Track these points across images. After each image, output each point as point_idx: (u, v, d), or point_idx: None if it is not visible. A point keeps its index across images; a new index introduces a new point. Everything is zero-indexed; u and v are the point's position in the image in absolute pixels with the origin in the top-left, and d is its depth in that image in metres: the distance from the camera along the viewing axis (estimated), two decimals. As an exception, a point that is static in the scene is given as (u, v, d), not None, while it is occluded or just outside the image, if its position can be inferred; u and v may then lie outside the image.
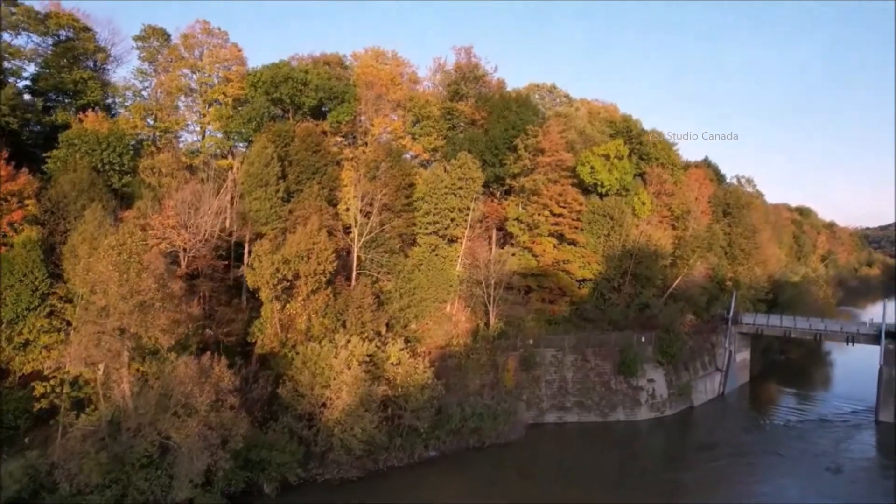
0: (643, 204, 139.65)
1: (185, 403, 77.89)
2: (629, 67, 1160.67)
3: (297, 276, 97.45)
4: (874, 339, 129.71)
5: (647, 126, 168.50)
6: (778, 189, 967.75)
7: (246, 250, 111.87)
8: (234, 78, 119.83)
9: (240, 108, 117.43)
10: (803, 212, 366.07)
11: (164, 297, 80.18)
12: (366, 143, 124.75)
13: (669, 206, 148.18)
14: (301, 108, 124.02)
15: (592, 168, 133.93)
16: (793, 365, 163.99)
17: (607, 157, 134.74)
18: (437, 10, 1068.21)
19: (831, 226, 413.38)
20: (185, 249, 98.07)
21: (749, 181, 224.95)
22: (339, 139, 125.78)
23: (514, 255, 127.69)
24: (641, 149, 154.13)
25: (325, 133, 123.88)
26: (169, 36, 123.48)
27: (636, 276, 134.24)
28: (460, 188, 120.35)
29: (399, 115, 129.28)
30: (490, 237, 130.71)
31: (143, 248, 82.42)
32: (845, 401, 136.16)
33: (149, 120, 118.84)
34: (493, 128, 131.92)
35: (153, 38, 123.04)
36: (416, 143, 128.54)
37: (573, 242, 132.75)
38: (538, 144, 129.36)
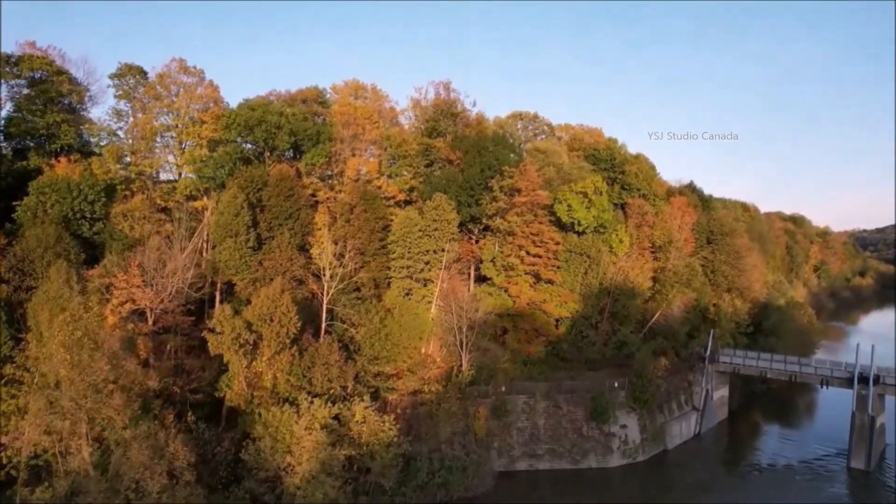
0: (621, 242, 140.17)
1: (137, 488, 78.75)
2: (617, 81, 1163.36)
3: (260, 338, 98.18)
4: (847, 382, 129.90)
5: (633, 149, 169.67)
6: (773, 195, 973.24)
7: (217, 300, 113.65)
8: (209, 119, 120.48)
9: (213, 153, 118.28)
10: (796, 220, 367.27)
11: (118, 377, 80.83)
12: (341, 184, 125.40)
13: (651, 236, 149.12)
14: (276, 149, 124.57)
15: (570, 206, 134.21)
16: (774, 396, 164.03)
17: (585, 194, 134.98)
18: (422, 31, 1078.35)
19: (824, 234, 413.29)
20: (151, 308, 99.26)
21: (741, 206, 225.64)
22: (314, 179, 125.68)
23: (490, 294, 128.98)
24: (623, 179, 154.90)
25: (299, 172, 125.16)
26: (146, 73, 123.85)
27: (613, 313, 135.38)
28: (435, 230, 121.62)
29: (375, 153, 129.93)
30: (469, 274, 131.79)
31: (99, 324, 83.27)
32: (821, 443, 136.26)
33: (126, 158, 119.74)
34: (468, 168, 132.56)
35: (129, 76, 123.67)
36: (391, 183, 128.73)
37: (550, 281, 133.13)
38: (514, 184, 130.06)
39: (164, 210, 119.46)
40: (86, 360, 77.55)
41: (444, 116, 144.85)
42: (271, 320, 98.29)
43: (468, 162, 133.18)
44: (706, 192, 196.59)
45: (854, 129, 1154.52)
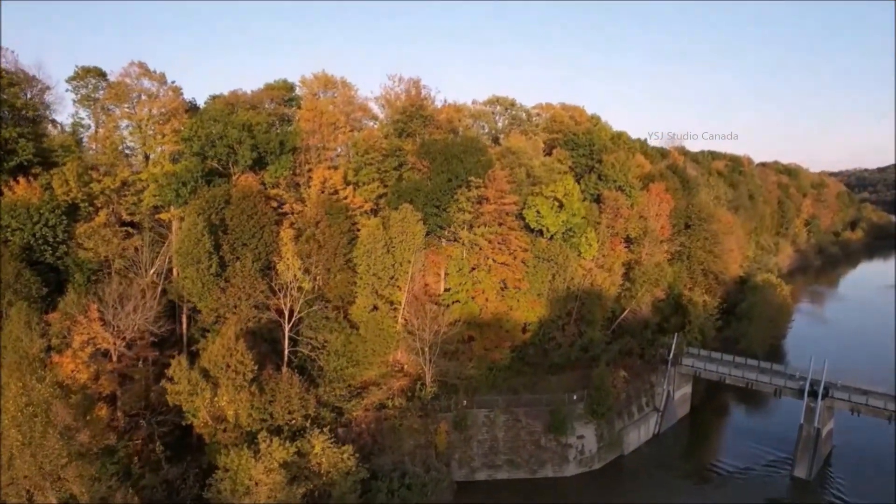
0: (590, 245, 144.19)
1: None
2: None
3: (217, 385, 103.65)
4: (799, 393, 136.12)
5: (617, 126, 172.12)
6: (773, 136, 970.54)
7: (184, 324, 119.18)
8: (170, 132, 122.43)
9: (176, 165, 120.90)
10: (791, 172, 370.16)
11: (70, 452, 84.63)
12: (307, 195, 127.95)
13: (625, 229, 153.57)
14: (238, 163, 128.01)
15: (539, 212, 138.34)
16: (737, 389, 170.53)
17: (556, 198, 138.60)
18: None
19: (819, 185, 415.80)
20: (114, 344, 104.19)
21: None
22: (279, 191, 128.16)
23: (456, 301, 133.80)
24: (600, 169, 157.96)
25: (264, 185, 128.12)
26: (105, 75, 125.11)
27: (581, 316, 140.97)
28: (401, 242, 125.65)
29: (341, 162, 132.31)
30: (440, 275, 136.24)
31: (52, 393, 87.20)
32: (771, 445, 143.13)
33: (88, 173, 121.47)
34: (436, 176, 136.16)
35: (88, 79, 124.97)
36: (357, 193, 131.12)
37: (518, 287, 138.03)
38: (482, 194, 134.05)
39: (131, 224, 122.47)
40: (37, 439, 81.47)
41: (414, 118, 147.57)
42: (227, 367, 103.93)
43: (436, 170, 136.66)
44: (700, 141, 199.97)
45: (854, 62, 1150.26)
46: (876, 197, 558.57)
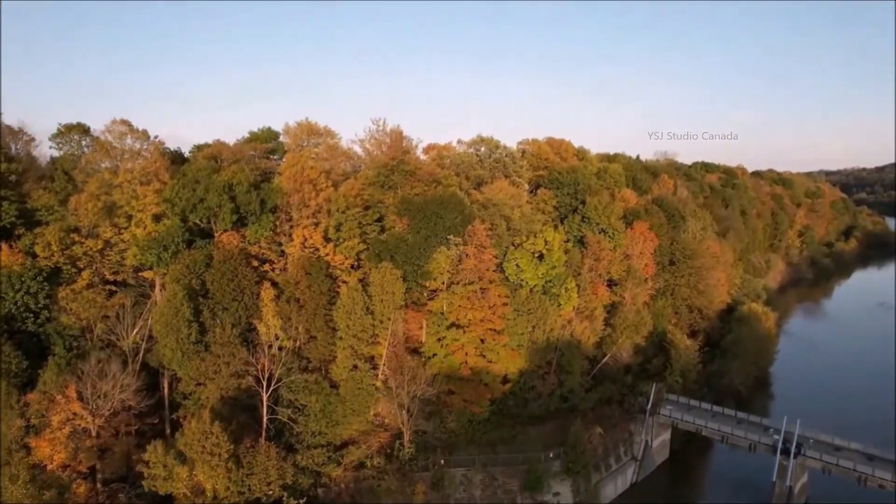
0: (570, 298, 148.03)
1: None
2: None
3: (193, 467, 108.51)
4: (772, 449, 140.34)
5: (612, 143, 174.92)
6: (772, 140, 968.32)
7: (166, 391, 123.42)
8: (151, 193, 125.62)
9: (158, 225, 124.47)
10: (786, 182, 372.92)
11: None
12: (288, 252, 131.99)
13: (608, 271, 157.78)
14: (220, 223, 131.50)
15: (518, 265, 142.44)
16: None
17: (535, 251, 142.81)
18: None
19: (814, 194, 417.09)
20: (94, 422, 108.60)
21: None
22: (260, 249, 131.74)
23: (435, 355, 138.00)
24: (584, 210, 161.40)
25: (245, 239, 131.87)
26: (88, 130, 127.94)
27: (560, 366, 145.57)
28: (381, 300, 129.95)
29: (322, 216, 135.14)
30: (422, 325, 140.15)
31: (26, 493, 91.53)
32: (748, 492, 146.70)
33: (71, 235, 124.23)
34: (415, 233, 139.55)
35: (72, 135, 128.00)
36: (338, 250, 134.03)
37: (497, 340, 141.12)
38: (462, 250, 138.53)
39: (115, 283, 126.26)
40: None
41: (395, 171, 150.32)
42: (203, 449, 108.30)
43: (415, 227, 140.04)
44: (700, 142, 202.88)
45: (853, 58, 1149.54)
46: (874, 198, 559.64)
